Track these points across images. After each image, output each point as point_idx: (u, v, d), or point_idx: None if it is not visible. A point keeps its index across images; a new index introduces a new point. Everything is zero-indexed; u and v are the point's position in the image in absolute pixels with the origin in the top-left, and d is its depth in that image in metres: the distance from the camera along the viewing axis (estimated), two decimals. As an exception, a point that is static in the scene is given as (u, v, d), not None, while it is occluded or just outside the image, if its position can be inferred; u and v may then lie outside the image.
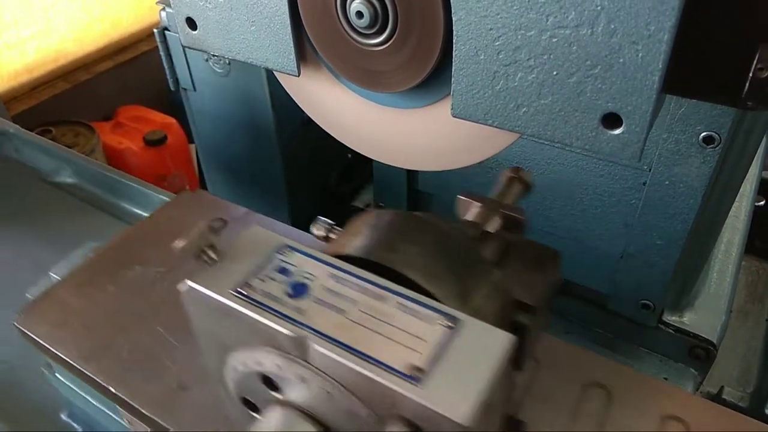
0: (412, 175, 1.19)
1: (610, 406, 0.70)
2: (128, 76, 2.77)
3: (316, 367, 0.46)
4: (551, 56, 0.41)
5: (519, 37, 0.42)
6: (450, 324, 0.46)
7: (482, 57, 0.44)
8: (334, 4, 0.49)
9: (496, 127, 0.46)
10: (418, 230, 0.56)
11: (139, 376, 0.74)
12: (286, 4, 0.51)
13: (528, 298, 0.55)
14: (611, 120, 0.42)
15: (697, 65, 0.41)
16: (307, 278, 0.50)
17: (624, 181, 0.91)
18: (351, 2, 0.48)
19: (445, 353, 0.44)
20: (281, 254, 0.52)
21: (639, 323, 1.03)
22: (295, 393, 0.49)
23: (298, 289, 0.49)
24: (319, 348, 0.45)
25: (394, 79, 0.51)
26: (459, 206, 0.63)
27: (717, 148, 0.79)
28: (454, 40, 0.44)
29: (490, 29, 0.42)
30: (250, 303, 0.48)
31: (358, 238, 0.56)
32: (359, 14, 0.48)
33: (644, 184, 0.88)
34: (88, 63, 2.71)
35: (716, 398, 1.13)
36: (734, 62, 0.40)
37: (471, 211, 0.62)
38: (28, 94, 2.53)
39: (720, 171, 0.83)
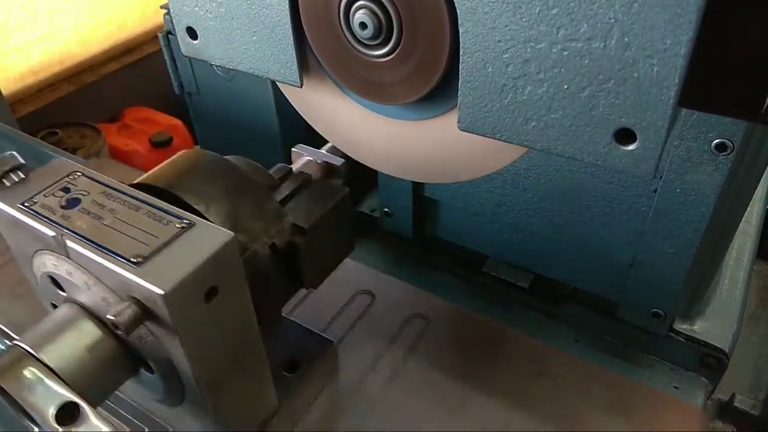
0: (417, 182, 1.17)
1: (425, 334, 0.86)
2: (134, 77, 2.77)
3: (75, 261, 0.55)
4: (562, 69, 0.40)
5: (528, 49, 0.40)
6: (184, 226, 0.54)
7: (490, 70, 0.43)
8: (337, 15, 0.48)
9: (504, 141, 0.45)
10: (209, 165, 0.66)
11: (18, 309, 0.89)
12: (288, 14, 0.49)
13: (302, 222, 0.64)
14: (625, 135, 0.40)
15: (714, 79, 0.39)
16: (82, 194, 0.59)
17: (634, 189, 0.89)
18: (354, 13, 0.46)
19: (170, 246, 0.53)
20: (71, 178, 0.61)
21: (649, 332, 1.01)
22: (71, 289, 0.59)
23: (72, 203, 0.58)
24: (70, 244, 0.54)
25: (399, 91, 0.49)
26: (292, 158, 0.74)
27: (730, 155, 0.77)
28: (460, 52, 0.43)
29: (499, 41, 0.41)
30: (28, 212, 0.57)
31: (156, 170, 0.66)
32: (363, 25, 0.46)
33: (655, 191, 0.86)
34: (94, 65, 2.71)
35: (728, 406, 1.11)
36: (753, 76, 0.38)
37: (298, 161, 0.74)
38: (34, 96, 2.53)
39: (732, 178, 0.81)
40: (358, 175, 1.46)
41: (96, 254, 0.52)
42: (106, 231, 0.55)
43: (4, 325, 0.87)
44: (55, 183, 0.60)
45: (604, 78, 0.39)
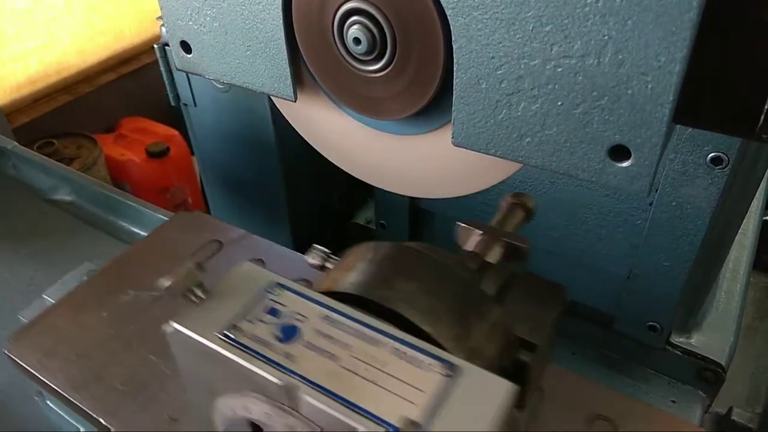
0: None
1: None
2: (131, 88, 2.77)
3: (306, 417, 0.44)
4: (556, 86, 0.40)
5: (522, 66, 0.40)
6: (448, 372, 0.44)
7: (484, 86, 0.42)
8: (331, 30, 0.48)
9: (498, 156, 0.45)
10: (416, 265, 0.54)
11: (130, 407, 0.71)
12: (282, 29, 0.49)
13: (530, 336, 0.52)
14: (619, 152, 0.40)
15: (709, 96, 0.39)
16: (298, 320, 0.48)
17: (630, 202, 0.89)
18: (348, 28, 0.46)
19: (442, 405, 0.42)
20: (271, 293, 0.50)
21: (646, 345, 1.01)
22: None
23: (288, 332, 0.47)
24: (309, 398, 0.43)
25: (394, 106, 0.49)
26: (458, 234, 0.60)
27: (725, 169, 0.77)
28: (454, 68, 0.43)
29: (492, 58, 0.41)
30: (237, 348, 0.46)
31: (352, 272, 0.53)
32: (357, 40, 0.46)
33: (651, 204, 0.86)
34: (91, 75, 2.71)
35: (725, 419, 1.11)
36: (749, 94, 0.38)
37: (471, 240, 0.59)
38: (31, 106, 2.52)
39: (728, 192, 0.81)
40: (353, 186, 1.46)
41: (347, 416, 0.41)
42: (350, 379, 0.43)
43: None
44: (256, 301, 0.49)
45: (598, 95, 0.38)
